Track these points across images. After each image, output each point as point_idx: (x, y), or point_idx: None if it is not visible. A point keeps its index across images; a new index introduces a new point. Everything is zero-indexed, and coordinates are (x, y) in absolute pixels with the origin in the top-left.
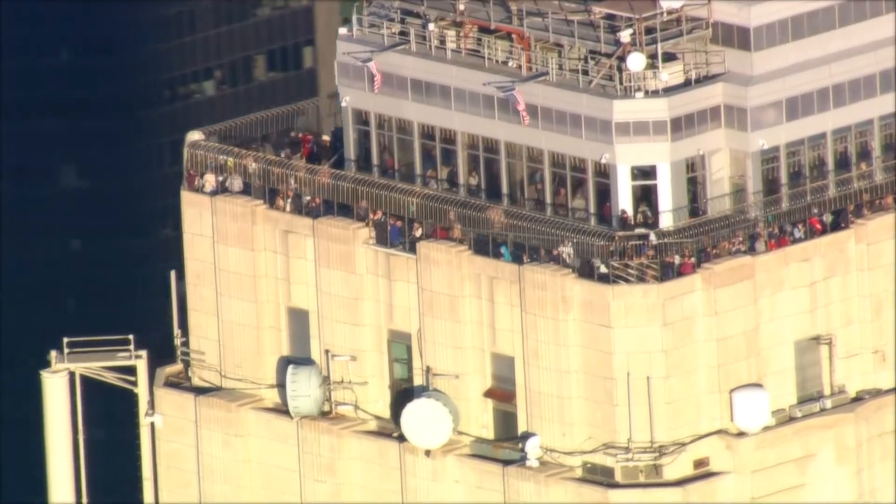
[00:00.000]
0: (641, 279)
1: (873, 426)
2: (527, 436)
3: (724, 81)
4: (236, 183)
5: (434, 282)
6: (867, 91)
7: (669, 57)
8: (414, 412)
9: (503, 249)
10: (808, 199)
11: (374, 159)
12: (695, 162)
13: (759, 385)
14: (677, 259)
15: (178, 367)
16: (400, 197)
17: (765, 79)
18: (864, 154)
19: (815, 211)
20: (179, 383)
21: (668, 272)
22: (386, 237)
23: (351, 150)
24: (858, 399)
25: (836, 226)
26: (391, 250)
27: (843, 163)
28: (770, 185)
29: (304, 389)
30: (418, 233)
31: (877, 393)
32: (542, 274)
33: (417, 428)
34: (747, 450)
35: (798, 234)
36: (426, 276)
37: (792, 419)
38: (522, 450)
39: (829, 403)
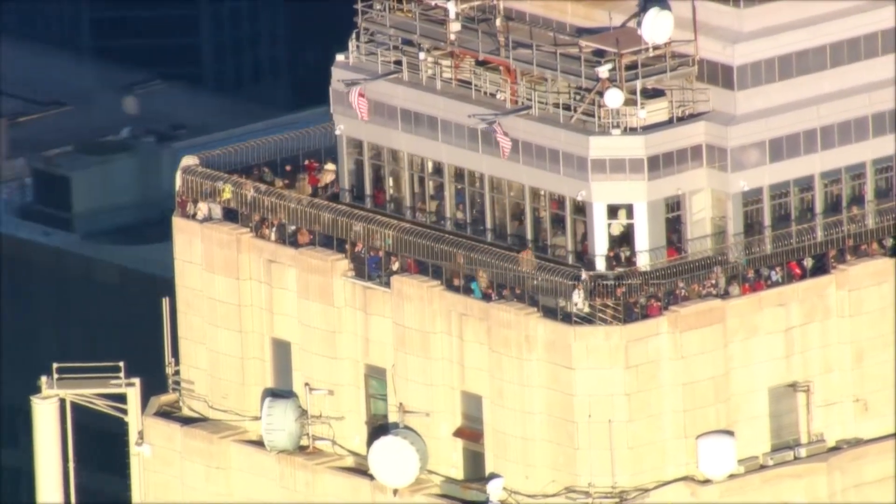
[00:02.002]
0: (605, 321)
1: (849, 477)
2: (493, 477)
3: (707, 120)
4: (215, 210)
5: (407, 317)
6: (858, 134)
7: (657, 93)
8: (381, 450)
9: (473, 286)
10: (793, 242)
11: (367, 189)
12: (675, 201)
13: (727, 431)
14: (642, 300)
15: (173, 396)
16: (377, 229)
17: (747, 118)
18: (858, 198)
19: (795, 255)
20: (171, 413)
21: (632, 314)
22: (365, 270)
23: (345, 180)
24: (836, 448)
25: (818, 271)
26: (368, 283)
27: (834, 207)
28: (754, 228)
29: (279, 423)
30: (395, 266)
31: (857, 443)
32: (508, 312)
33: (385, 466)
34: (712, 497)
35: (775, 277)
36: (399, 312)
37: (762, 467)
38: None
39: (803, 452)
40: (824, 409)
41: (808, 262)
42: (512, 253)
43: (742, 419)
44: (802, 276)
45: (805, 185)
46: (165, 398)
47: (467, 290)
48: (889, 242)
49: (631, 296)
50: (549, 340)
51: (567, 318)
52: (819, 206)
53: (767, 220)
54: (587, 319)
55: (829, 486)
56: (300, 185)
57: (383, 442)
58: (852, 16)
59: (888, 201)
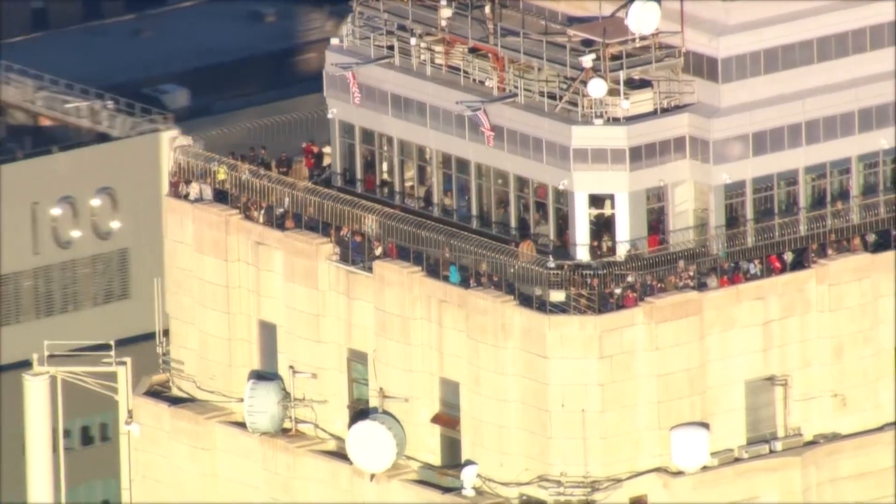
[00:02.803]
0: (580, 310)
1: (825, 471)
2: (468, 464)
3: (691, 112)
4: (206, 191)
5: (387, 302)
6: (844, 129)
7: (643, 84)
8: (359, 435)
9: (451, 269)
10: (775, 235)
11: (358, 173)
12: (657, 193)
13: (701, 424)
14: (618, 291)
15: (165, 375)
16: (361, 213)
17: (731, 112)
18: (844, 194)
19: (777, 249)
20: (162, 392)
21: (607, 304)
22: (350, 254)
23: (337, 163)
24: (813, 443)
25: (798, 265)
26: (351, 268)
27: (821, 202)
28: (737, 221)
29: (261, 406)
30: (378, 251)
31: (834, 437)
32: (484, 300)
33: (362, 451)
34: (684, 489)
35: (754, 270)
36: (380, 297)
37: (737, 460)
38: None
39: (779, 446)
40: (802, 403)
41: (789, 257)
42: (492, 241)
43: (718, 412)
44: (782, 270)
45: (790, 179)
46: (157, 378)
47: (445, 276)
48: (872, 238)
49: (607, 286)
50: (525, 329)
51: (543, 306)
52: (803, 201)
53: (750, 214)
54: (562, 309)
55: (804, 481)
56: (297, 168)
57: (361, 427)
58: (840, 11)
59: (875, 197)
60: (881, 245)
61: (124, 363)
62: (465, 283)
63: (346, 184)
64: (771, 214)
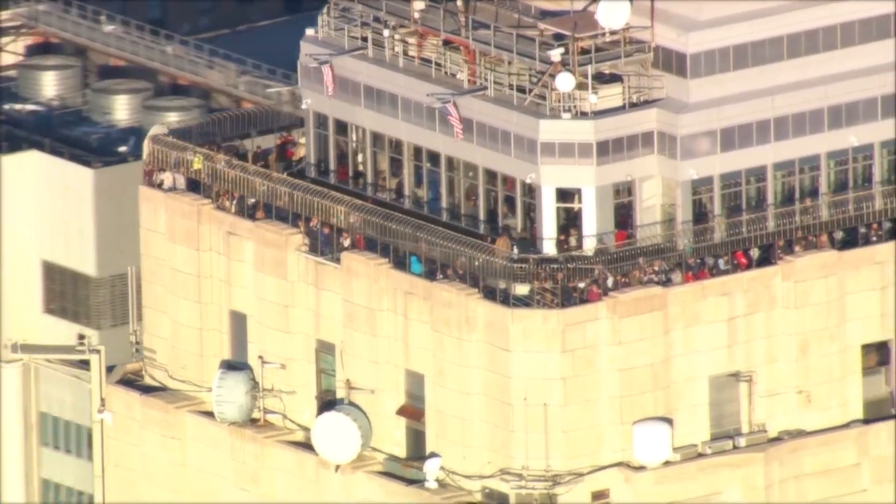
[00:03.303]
0: (543, 304)
1: (788, 468)
2: (432, 456)
3: (659, 107)
4: (180, 180)
5: (355, 294)
6: (813, 126)
7: (614, 78)
8: (324, 426)
9: (412, 260)
10: (743, 231)
11: (331, 164)
12: (624, 187)
13: (664, 419)
14: (581, 285)
15: (139, 364)
16: (330, 205)
17: (699, 107)
18: (813, 190)
19: (744, 245)
20: (135, 381)
21: (571, 298)
22: (319, 245)
23: (311, 154)
24: (778, 439)
25: (764, 261)
26: (320, 259)
27: (790, 198)
28: (706, 216)
29: (229, 396)
30: (346, 242)
31: (798, 434)
32: (449, 292)
33: (327, 442)
34: (646, 484)
35: (723, 266)
36: (348, 288)
37: (700, 456)
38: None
39: (743, 442)
40: (767, 399)
41: (755, 253)
42: (459, 234)
43: (681, 407)
44: (748, 266)
45: (759, 175)
46: (132, 366)
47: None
48: (839, 236)
49: (570, 280)
50: (489, 322)
51: (507, 300)
52: (772, 197)
53: (718, 209)
54: (526, 302)
55: (767, 477)
56: (271, 159)
57: (326, 418)
58: (811, 8)
59: (844, 194)
60: (849, 242)
61: (98, 351)
62: (431, 275)
63: (319, 175)
64: (739, 210)
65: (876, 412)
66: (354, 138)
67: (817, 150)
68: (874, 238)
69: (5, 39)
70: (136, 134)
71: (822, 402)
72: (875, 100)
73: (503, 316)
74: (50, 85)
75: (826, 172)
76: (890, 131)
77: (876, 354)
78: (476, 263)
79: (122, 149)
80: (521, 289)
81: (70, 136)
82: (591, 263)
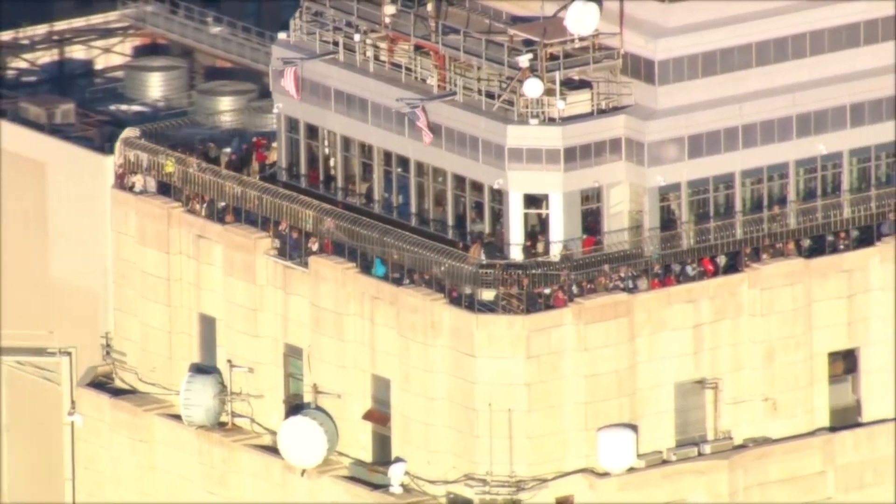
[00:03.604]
0: (508, 309)
1: (752, 475)
2: (397, 461)
3: (627, 114)
4: (151, 183)
5: (322, 298)
6: (782, 134)
7: (584, 85)
8: (290, 430)
9: (376, 263)
10: (711, 238)
11: (302, 168)
12: (593, 193)
13: (628, 425)
14: (547, 291)
15: (110, 366)
16: (298, 209)
17: (667, 114)
18: (781, 198)
19: (711, 252)
20: (106, 384)
21: (536, 304)
22: (287, 249)
23: (283, 158)
24: (743, 447)
25: (731, 268)
26: (288, 263)
27: (759, 205)
28: (673, 223)
29: (197, 399)
30: (314, 247)
31: (763, 441)
32: (415, 297)
33: (293, 446)
34: (610, 490)
35: (691, 272)
36: (315, 292)
37: (665, 462)
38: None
39: (708, 449)
40: (733, 406)
41: (721, 260)
42: (426, 238)
43: (646, 414)
44: (715, 274)
45: (727, 182)
46: (103, 369)
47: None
48: (806, 244)
49: (536, 286)
50: (454, 327)
51: (472, 305)
52: (739, 205)
53: (685, 216)
54: (491, 308)
55: (731, 484)
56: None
57: (292, 422)
58: (780, 15)
59: (813, 202)
60: (816, 251)
61: (68, 354)
62: (397, 280)
63: (291, 179)
64: (707, 217)
65: (842, 420)
66: (325, 143)
67: (785, 158)
68: (841, 246)
69: (113, 40)
70: (240, 135)
71: (788, 410)
72: (844, 108)
73: (468, 321)
74: (156, 86)
75: (794, 180)
76: (859, 140)
77: (843, 362)
78: (442, 269)
79: (226, 150)
80: (487, 294)
81: (175, 136)
82: (556, 270)
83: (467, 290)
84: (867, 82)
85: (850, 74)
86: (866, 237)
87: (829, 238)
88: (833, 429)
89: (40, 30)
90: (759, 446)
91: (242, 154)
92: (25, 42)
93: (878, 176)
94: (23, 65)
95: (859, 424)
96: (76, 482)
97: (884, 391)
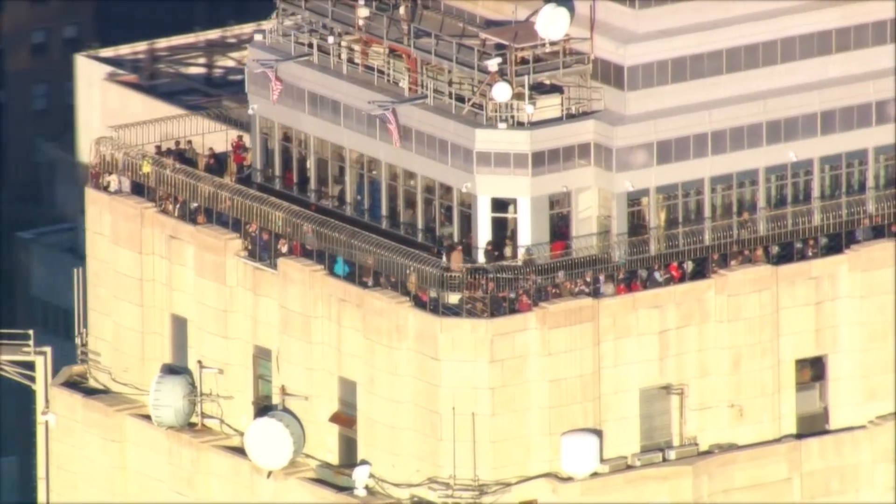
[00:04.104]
0: (473, 313)
1: (718, 482)
2: (362, 464)
3: (597, 119)
4: (125, 183)
5: (290, 300)
6: (752, 140)
7: (554, 89)
8: (256, 432)
9: (337, 261)
10: (679, 244)
11: (277, 170)
12: (562, 198)
13: (593, 430)
14: (512, 295)
15: (85, 367)
16: (268, 210)
17: (636, 119)
18: (752, 205)
19: (679, 258)
20: (80, 383)
21: (500, 308)
22: (257, 250)
23: (258, 160)
24: (708, 453)
25: (698, 275)
26: (258, 264)
27: (728, 212)
28: (642, 228)
29: (166, 400)
30: (284, 248)
31: (729, 448)
32: (381, 300)
33: (260, 448)
34: (573, 495)
35: (658, 278)
36: (284, 294)
37: (629, 467)
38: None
39: (672, 455)
40: (699, 412)
41: (689, 266)
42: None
43: (611, 419)
44: (682, 279)
45: (696, 188)
46: (78, 368)
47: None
48: (775, 250)
49: (501, 290)
50: (418, 330)
51: (436, 308)
52: (708, 211)
53: (653, 222)
54: (455, 312)
55: (695, 490)
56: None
57: (258, 424)
58: (751, 22)
59: (784, 209)
60: (784, 257)
61: (43, 353)
62: (364, 283)
63: (265, 180)
64: (676, 223)
65: (810, 427)
66: (300, 145)
67: (755, 165)
68: (810, 253)
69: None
70: None
71: (755, 417)
72: (815, 115)
73: (432, 325)
74: None
75: (764, 187)
76: (830, 147)
77: (810, 370)
78: (407, 272)
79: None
80: (452, 298)
81: None
82: (519, 274)
83: (432, 294)
84: (838, 90)
85: (821, 82)
86: (835, 245)
87: (798, 245)
88: (800, 436)
89: (247, 29)
90: (724, 452)
91: (218, 156)
92: (232, 41)
93: (850, 183)
94: (230, 63)
95: (827, 432)
96: (50, 481)
97: (852, 399)
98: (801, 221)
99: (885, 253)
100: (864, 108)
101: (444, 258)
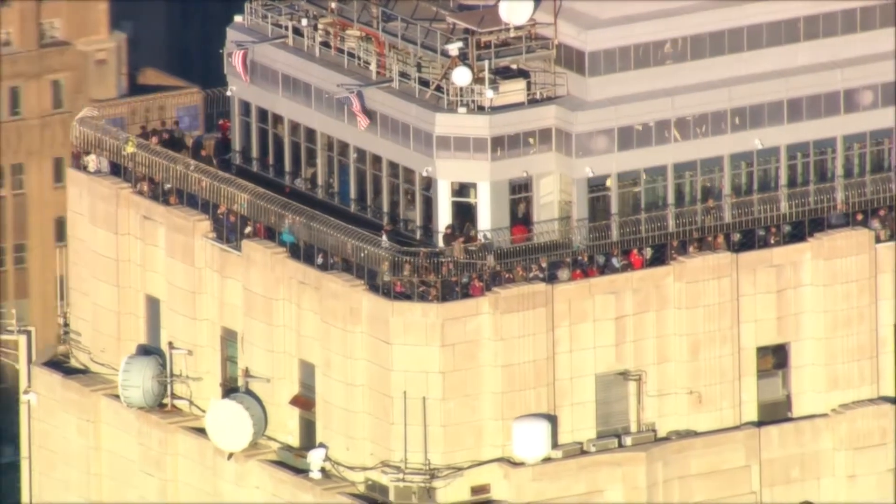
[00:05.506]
0: (424, 297)
1: (673, 468)
2: (320, 446)
3: (558, 104)
4: (103, 163)
5: (253, 282)
6: (716, 127)
7: (521, 74)
8: (217, 414)
9: (283, 232)
10: (642, 230)
11: (254, 152)
12: (522, 183)
13: (546, 416)
14: (465, 280)
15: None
16: (234, 192)
17: (597, 105)
18: (713, 191)
19: (640, 244)
20: (63, 363)
21: (453, 292)
22: (225, 232)
23: (236, 141)
24: (666, 439)
25: (657, 261)
26: (224, 246)
27: (694, 198)
28: (604, 214)
29: (134, 380)
30: (248, 230)
31: (687, 434)
32: (336, 283)
33: (220, 429)
34: (524, 480)
35: (616, 264)
36: (247, 276)
37: (584, 453)
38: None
39: (629, 441)
40: (658, 399)
41: (648, 252)
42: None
43: (566, 404)
44: (641, 267)
45: (659, 175)
46: (62, 348)
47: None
48: (737, 238)
49: (455, 275)
50: (372, 314)
51: (389, 292)
52: (672, 197)
53: (614, 208)
54: (407, 296)
55: (649, 476)
56: (208, 145)
57: (219, 405)
58: (717, 9)
59: (749, 196)
60: (745, 245)
61: (27, 332)
62: (323, 266)
63: (244, 162)
64: (639, 209)
65: (772, 415)
66: (275, 126)
67: (720, 152)
68: (773, 241)
69: None
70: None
71: (714, 404)
72: (781, 103)
73: (384, 308)
74: None
75: (730, 174)
76: (796, 135)
77: (773, 357)
78: (362, 255)
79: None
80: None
81: None
82: (475, 258)
83: (385, 277)
84: (805, 78)
85: (787, 70)
86: (798, 233)
87: (761, 233)
88: (761, 423)
89: None
90: (681, 439)
91: (202, 138)
92: None
93: (818, 171)
94: None
95: (789, 420)
96: (32, 460)
97: (815, 387)
98: (766, 209)
99: (849, 241)
100: (831, 97)
101: (384, 237)
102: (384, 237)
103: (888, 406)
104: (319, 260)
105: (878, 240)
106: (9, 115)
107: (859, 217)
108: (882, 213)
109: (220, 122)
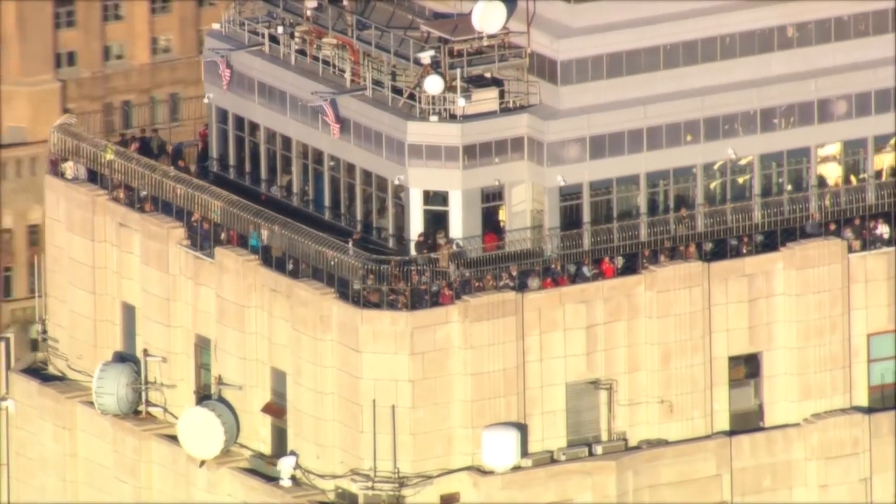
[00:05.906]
0: (394, 305)
1: (643, 477)
2: (291, 454)
3: (530, 113)
4: (80, 170)
5: (226, 289)
6: (689, 136)
7: (494, 82)
8: (189, 421)
9: (252, 236)
10: (614, 239)
11: (231, 159)
12: (494, 192)
13: (516, 424)
14: (434, 288)
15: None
16: (208, 199)
17: (569, 114)
18: (685, 201)
19: (612, 253)
20: (41, 370)
21: (422, 301)
22: (199, 239)
23: (213, 149)
24: (636, 448)
25: (629, 270)
26: (197, 253)
27: (666, 207)
28: (577, 223)
29: (109, 387)
30: (222, 237)
31: (658, 443)
32: (306, 291)
33: (192, 437)
34: (493, 489)
35: (587, 273)
36: (220, 284)
37: (554, 462)
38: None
39: (599, 450)
40: (629, 408)
41: (619, 262)
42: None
43: (536, 413)
44: (613, 275)
45: (631, 184)
46: (42, 355)
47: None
48: (709, 247)
49: (424, 283)
50: (341, 322)
51: (359, 300)
52: (644, 206)
53: (586, 217)
54: (376, 304)
55: (619, 485)
56: (188, 153)
57: (190, 413)
58: (690, 19)
59: (722, 206)
60: (717, 254)
61: (6, 339)
62: (294, 273)
63: (221, 169)
64: (611, 218)
65: (744, 424)
66: (251, 134)
67: (693, 162)
68: (745, 251)
69: None
70: None
71: (686, 413)
72: (755, 113)
73: (354, 316)
74: None
75: (703, 184)
76: (770, 145)
77: (745, 367)
78: (332, 263)
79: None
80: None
81: None
82: (442, 267)
83: (356, 286)
84: (779, 87)
85: (761, 79)
86: (770, 242)
87: (733, 242)
88: (732, 433)
89: None
90: (652, 448)
91: (183, 145)
92: None
93: (791, 180)
94: None
95: (761, 429)
96: (10, 467)
97: (787, 396)
98: (739, 218)
99: (821, 251)
100: (805, 107)
101: (351, 244)
102: (351, 245)
103: (860, 416)
104: (290, 266)
105: (850, 249)
106: (168, 122)
107: (832, 227)
108: (856, 222)
109: (202, 129)
